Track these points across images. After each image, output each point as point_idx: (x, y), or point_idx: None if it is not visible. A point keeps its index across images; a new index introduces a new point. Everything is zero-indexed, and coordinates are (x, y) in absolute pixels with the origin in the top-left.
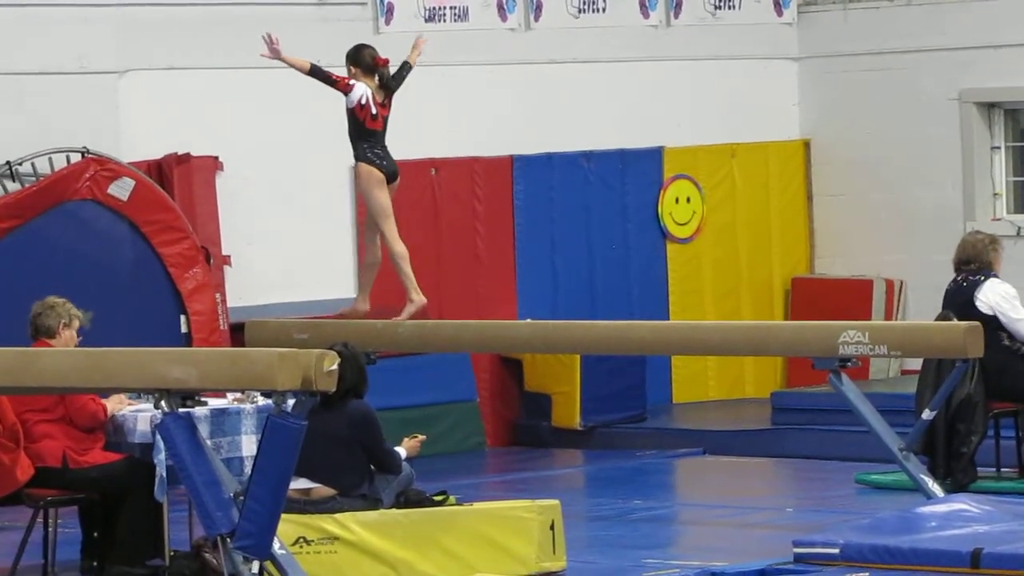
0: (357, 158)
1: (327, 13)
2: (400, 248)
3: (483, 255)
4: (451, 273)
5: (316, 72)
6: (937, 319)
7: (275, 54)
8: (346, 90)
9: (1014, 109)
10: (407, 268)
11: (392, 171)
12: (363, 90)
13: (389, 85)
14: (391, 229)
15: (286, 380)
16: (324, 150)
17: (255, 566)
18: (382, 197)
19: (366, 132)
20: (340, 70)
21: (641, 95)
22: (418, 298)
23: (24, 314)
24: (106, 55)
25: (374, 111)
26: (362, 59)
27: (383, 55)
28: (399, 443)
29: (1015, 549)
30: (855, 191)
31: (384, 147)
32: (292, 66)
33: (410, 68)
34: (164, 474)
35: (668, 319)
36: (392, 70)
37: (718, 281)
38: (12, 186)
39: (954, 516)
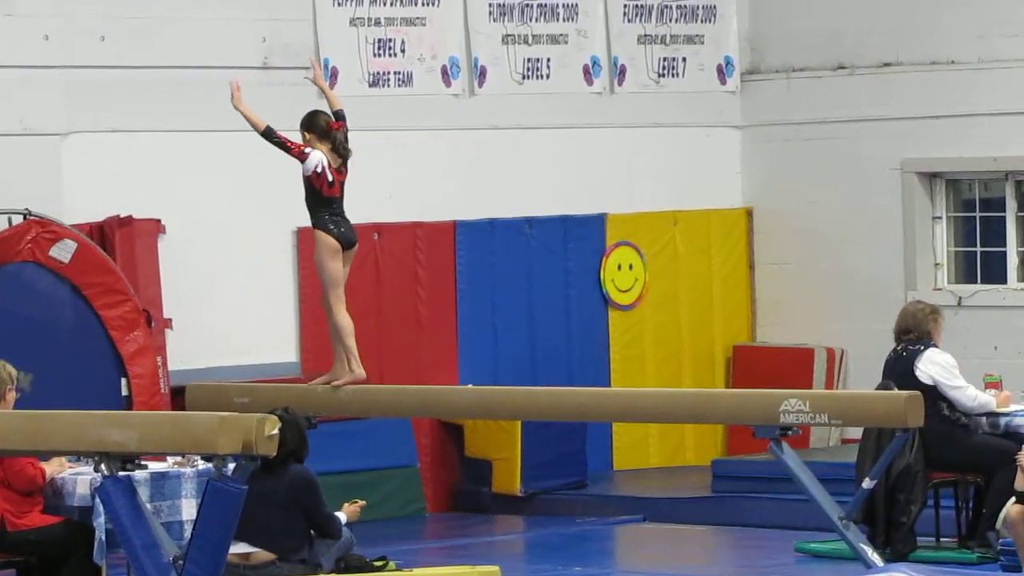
0: (315, 226)
1: (271, 77)
2: (345, 321)
3: (425, 320)
4: (392, 338)
5: (270, 135)
6: (877, 388)
7: (236, 100)
8: (301, 158)
9: (955, 179)
10: (350, 342)
11: (349, 239)
12: (319, 158)
13: (344, 150)
14: (338, 300)
15: (227, 444)
16: (267, 214)
17: None
18: (333, 267)
19: (324, 200)
20: (288, 135)
21: (584, 162)
22: (359, 370)
23: None
24: (49, 117)
25: (330, 178)
26: (316, 125)
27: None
28: (339, 508)
29: None
30: (797, 259)
31: (342, 214)
32: (248, 119)
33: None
34: (103, 537)
35: (609, 385)
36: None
37: (660, 348)
38: None
39: None
